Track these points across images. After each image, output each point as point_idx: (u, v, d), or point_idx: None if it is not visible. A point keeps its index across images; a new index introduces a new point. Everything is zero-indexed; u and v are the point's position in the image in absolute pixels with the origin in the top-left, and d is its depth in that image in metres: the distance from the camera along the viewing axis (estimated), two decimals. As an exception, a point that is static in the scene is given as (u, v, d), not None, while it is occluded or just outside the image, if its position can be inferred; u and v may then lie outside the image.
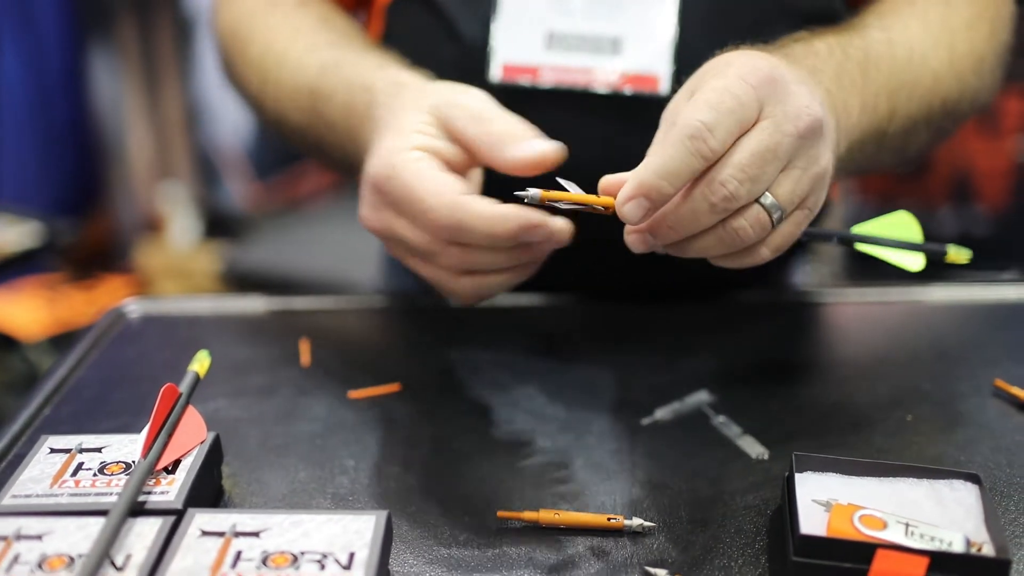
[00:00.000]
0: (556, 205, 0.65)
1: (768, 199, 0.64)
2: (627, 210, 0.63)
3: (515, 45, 0.85)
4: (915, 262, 0.74)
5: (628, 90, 0.84)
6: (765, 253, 0.67)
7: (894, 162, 0.87)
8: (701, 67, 0.67)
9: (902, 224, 0.74)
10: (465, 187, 0.69)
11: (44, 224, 2.42)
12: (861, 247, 0.73)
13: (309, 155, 0.95)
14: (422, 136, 0.70)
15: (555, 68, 0.84)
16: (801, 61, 0.71)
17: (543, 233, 0.67)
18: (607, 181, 0.66)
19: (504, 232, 0.66)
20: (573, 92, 0.85)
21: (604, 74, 0.84)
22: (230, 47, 0.97)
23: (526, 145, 0.68)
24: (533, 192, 0.65)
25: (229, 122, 2.93)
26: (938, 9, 0.85)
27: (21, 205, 2.59)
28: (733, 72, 0.63)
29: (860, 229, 0.73)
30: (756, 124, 0.62)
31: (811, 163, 0.64)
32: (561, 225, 0.67)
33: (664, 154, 0.62)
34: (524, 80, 0.85)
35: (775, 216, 0.64)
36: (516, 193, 0.65)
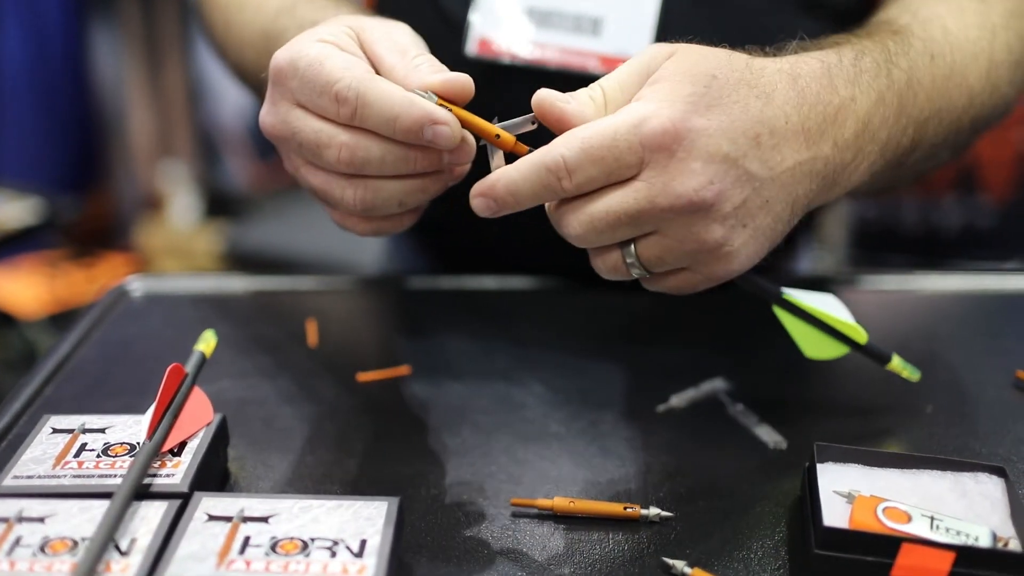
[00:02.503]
0: (447, 107, 0.62)
1: (630, 254, 0.61)
2: (474, 204, 0.62)
3: (493, 20, 0.83)
4: (819, 351, 0.69)
5: (606, 72, 0.81)
6: (645, 286, 0.65)
7: (906, 183, 0.83)
8: (671, 50, 0.62)
9: (849, 328, 0.68)
10: (372, 70, 0.64)
11: (45, 201, 2.41)
12: (781, 313, 0.69)
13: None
14: (332, 36, 0.66)
15: (533, 44, 0.82)
16: (837, 92, 0.64)
17: (446, 135, 0.61)
18: (543, 97, 0.62)
19: (407, 118, 0.60)
20: (550, 72, 0.82)
21: (582, 55, 0.82)
22: None
23: (440, 75, 0.63)
24: (430, 95, 0.62)
25: (231, 101, 2.91)
26: (973, 5, 0.79)
27: (22, 181, 2.57)
28: (639, 116, 0.58)
29: (803, 303, 0.68)
30: (631, 180, 0.59)
31: (688, 239, 0.60)
32: (470, 141, 0.63)
33: (520, 172, 0.60)
34: (500, 57, 0.83)
35: (632, 268, 0.62)
36: (413, 90, 0.62)
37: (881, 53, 0.69)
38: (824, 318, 0.68)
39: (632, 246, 0.61)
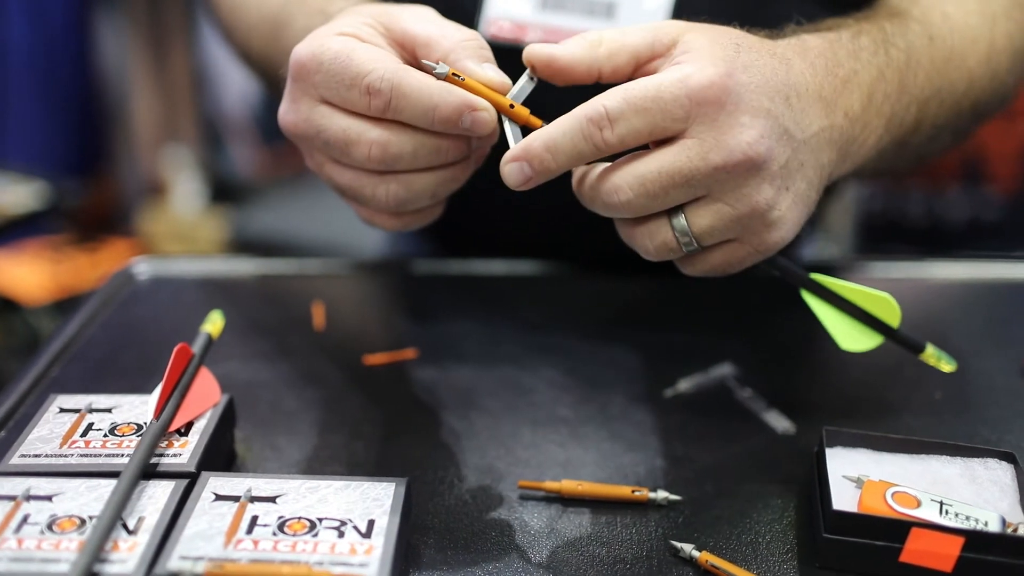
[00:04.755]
0: (463, 84, 0.60)
1: (681, 224, 0.59)
2: (507, 171, 0.60)
3: (507, 2, 0.82)
4: (854, 342, 0.67)
5: None
6: (685, 269, 0.64)
7: (910, 166, 0.82)
8: (685, 25, 0.61)
9: (882, 304, 0.66)
10: (401, 61, 0.62)
11: (49, 185, 2.40)
12: (810, 299, 0.66)
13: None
14: (354, 28, 0.64)
15: (545, 28, 0.82)
16: (842, 65, 0.65)
17: (485, 120, 0.60)
18: (533, 50, 0.61)
19: (445, 107, 0.59)
20: None
21: None
22: None
23: (488, 67, 0.62)
24: (442, 66, 0.60)
25: (236, 87, 2.90)
26: None
27: (26, 166, 2.57)
28: (684, 72, 0.57)
29: (831, 283, 0.66)
30: (680, 139, 0.58)
31: (741, 201, 0.58)
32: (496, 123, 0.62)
33: (558, 126, 0.58)
34: (511, 40, 0.81)
35: (683, 243, 0.60)
36: (424, 62, 0.61)
37: (879, 33, 0.70)
38: (855, 295, 0.66)
39: (683, 217, 0.59)
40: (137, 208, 2.97)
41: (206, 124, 3.04)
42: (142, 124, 2.97)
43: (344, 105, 0.62)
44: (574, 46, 0.61)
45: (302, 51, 0.63)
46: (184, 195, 2.91)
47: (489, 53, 0.63)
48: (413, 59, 0.64)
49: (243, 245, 2.78)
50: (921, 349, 0.68)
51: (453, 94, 0.59)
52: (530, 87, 0.62)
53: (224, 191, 2.97)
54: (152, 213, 2.92)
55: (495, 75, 0.62)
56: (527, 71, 0.62)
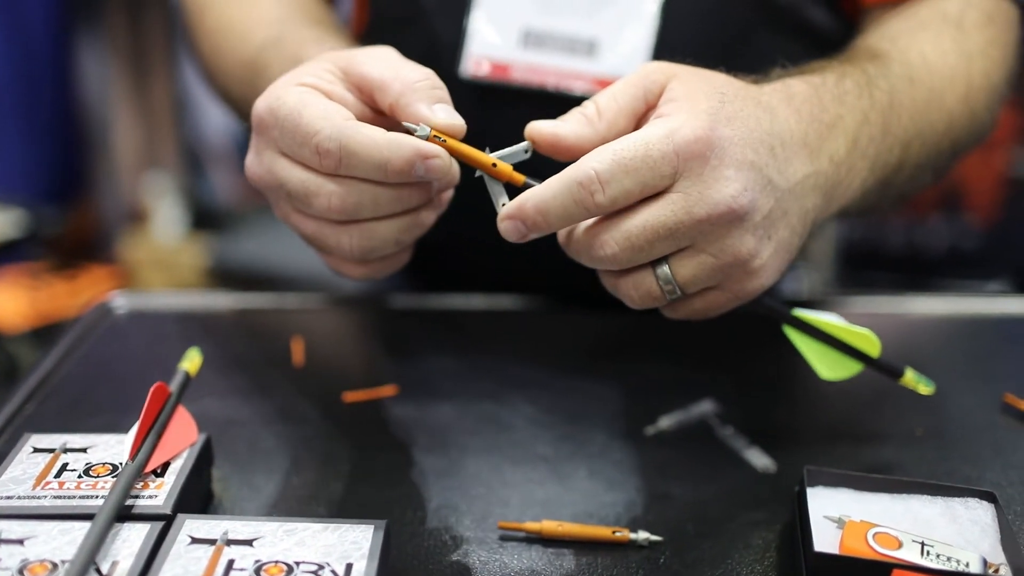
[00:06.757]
0: (444, 146, 0.60)
1: (665, 273, 0.60)
2: (503, 228, 0.60)
3: (489, 40, 0.83)
4: (833, 371, 0.68)
5: None
6: (667, 314, 0.64)
7: (892, 205, 0.83)
8: (671, 71, 0.62)
9: (862, 339, 0.68)
10: (352, 115, 0.62)
11: (28, 213, 2.39)
12: (791, 332, 0.68)
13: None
14: (313, 77, 0.64)
15: (528, 67, 0.82)
16: (827, 110, 0.65)
17: (439, 167, 0.60)
18: (535, 124, 0.62)
19: (397, 160, 0.59)
20: (544, 93, 0.82)
21: (576, 77, 0.82)
22: (191, 13, 0.95)
23: (439, 108, 0.62)
24: (423, 127, 0.60)
25: (217, 114, 2.89)
26: (951, 33, 0.80)
27: (5, 193, 2.55)
28: (669, 127, 0.58)
29: (813, 319, 0.67)
30: (666, 193, 0.58)
31: (724, 251, 0.59)
32: (454, 166, 0.61)
33: (550, 190, 0.58)
34: (493, 78, 0.82)
35: (667, 291, 0.61)
36: (405, 124, 0.61)
37: (861, 76, 0.70)
38: (836, 331, 0.67)
39: (667, 267, 0.60)
40: (117, 235, 2.95)
41: (187, 151, 3.02)
42: (123, 151, 2.96)
43: (300, 160, 0.63)
44: (577, 124, 0.62)
45: (260, 105, 0.64)
46: (165, 222, 2.89)
47: (443, 93, 0.63)
48: (371, 102, 0.64)
49: (224, 272, 2.76)
50: (900, 374, 0.69)
51: (403, 146, 0.59)
52: (523, 157, 0.62)
53: (205, 218, 2.95)
54: (132, 240, 2.90)
55: (446, 117, 0.61)
56: (525, 143, 0.62)
